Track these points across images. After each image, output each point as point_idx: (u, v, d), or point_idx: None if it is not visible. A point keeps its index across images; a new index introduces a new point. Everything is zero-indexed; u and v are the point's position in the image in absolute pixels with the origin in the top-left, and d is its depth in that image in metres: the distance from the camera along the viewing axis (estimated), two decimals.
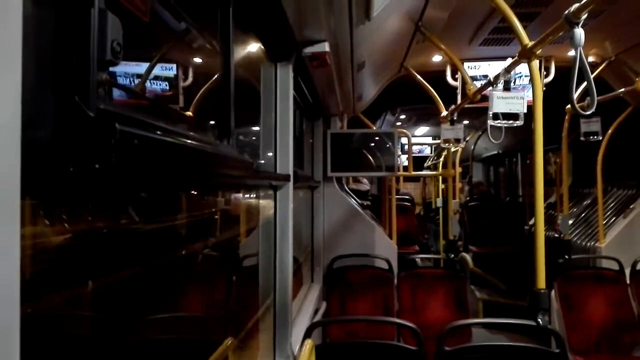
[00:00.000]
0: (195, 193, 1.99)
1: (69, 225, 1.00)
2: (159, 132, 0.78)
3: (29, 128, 0.49)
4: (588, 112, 1.77)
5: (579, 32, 1.70)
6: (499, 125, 2.62)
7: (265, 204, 2.21)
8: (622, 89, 3.77)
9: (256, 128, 2.17)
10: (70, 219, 1.01)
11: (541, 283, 1.94)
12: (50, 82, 0.57)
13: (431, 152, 11.20)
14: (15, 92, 0.47)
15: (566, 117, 4.40)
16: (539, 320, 1.92)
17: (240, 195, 2.58)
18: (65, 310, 1.06)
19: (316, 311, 3.34)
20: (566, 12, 1.76)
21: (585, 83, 1.84)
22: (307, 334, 2.17)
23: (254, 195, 2.42)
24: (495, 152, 9.23)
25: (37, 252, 0.88)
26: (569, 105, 4.17)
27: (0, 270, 0.45)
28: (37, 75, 0.54)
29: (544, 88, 3.75)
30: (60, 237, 0.98)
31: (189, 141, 0.94)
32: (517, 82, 4.11)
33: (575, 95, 1.79)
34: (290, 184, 2.14)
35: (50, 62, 0.57)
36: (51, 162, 0.56)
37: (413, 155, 5.89)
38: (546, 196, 5.38)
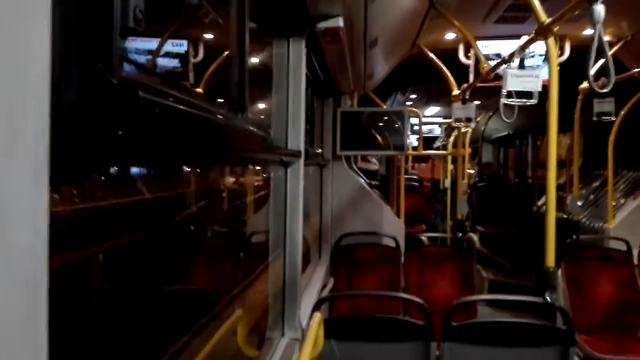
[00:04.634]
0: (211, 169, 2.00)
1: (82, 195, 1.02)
2: (178, 103, 0.79)
3: (56, 95, 0.50)
4: (605, 90, 1.75)
5: (599, 9, 1.67)
6: (512, 103, 2.60)
7: (276, 182, 2.22)
8: (638, 69, 3.71)
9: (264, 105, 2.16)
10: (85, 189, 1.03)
11: (550, 261, 1.94)
12: (74, 48, 0.57)
13: (441, 133, 11.14)
14: (44, 58, 0.47)
15: (579, 97, 4.35)
16: (547, 297, 1.93)
17: (255, 174, 2.59)
18: (88, 281, 1.09)
19: (323, 287, 3.38)
20: None
21: (600, 61, 1.81)
22: (316, 308, 2.20)
23: (265, 175, 2.43)
24: (506, 133, 9.16)
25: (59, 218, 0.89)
26: (582, 85, 4.14)
27: (29, 231, 0.46)
28: (62, 42, 0.54)
29: (558, 67, 3.70)
30: (76, 207, 1.00)
31: (207, 113, 0.95)
32: (530, 62, 4.05)
33: (591, 73, 1.77)
34: (301, 160, 2.15)
35: (74, 28, 0.57)
36: (75, 129, 0.56)
37: (423, 135, 5.86)
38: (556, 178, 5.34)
